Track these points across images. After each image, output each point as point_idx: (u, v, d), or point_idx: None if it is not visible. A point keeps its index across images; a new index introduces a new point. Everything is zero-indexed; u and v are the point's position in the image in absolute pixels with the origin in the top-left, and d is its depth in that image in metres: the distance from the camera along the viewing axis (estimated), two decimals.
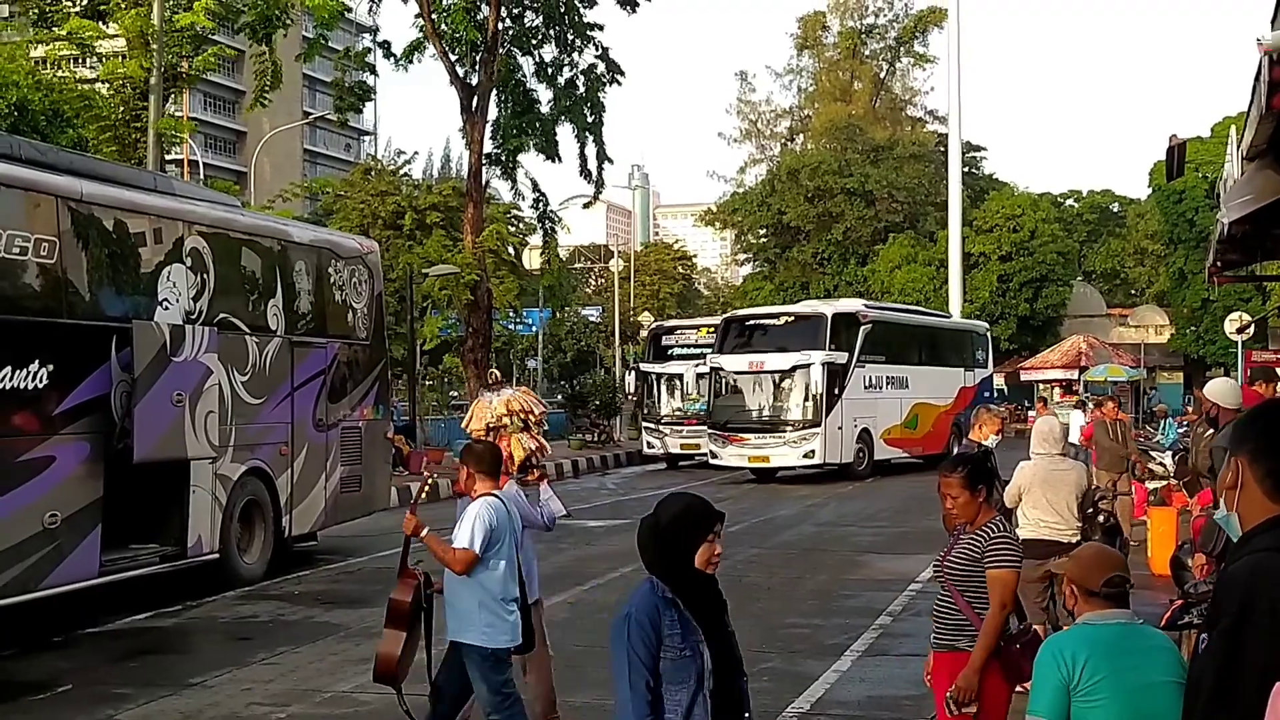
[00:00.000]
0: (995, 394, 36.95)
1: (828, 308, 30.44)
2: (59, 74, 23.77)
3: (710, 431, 29.09)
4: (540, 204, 32.77)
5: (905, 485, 26.67)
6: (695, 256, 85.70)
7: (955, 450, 32.23)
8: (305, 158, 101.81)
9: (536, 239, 43.97)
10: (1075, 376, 46.93)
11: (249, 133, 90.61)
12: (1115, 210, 71.59)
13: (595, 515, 21.64)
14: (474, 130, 30.42)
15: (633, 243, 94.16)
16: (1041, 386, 49.88)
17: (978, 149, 70.55)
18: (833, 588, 13.68)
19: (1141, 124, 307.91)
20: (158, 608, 12.61)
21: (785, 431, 27.81)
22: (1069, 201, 70.06)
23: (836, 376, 27.95)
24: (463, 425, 8.76)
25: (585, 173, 32.32)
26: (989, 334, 38.03)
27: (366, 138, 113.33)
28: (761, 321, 30.42)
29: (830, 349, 27.90)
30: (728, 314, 34.72)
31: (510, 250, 44.51)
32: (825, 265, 63.19)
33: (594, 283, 78.81)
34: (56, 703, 9.17)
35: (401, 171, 52.69)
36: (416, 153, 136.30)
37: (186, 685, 9.51)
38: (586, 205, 36.85)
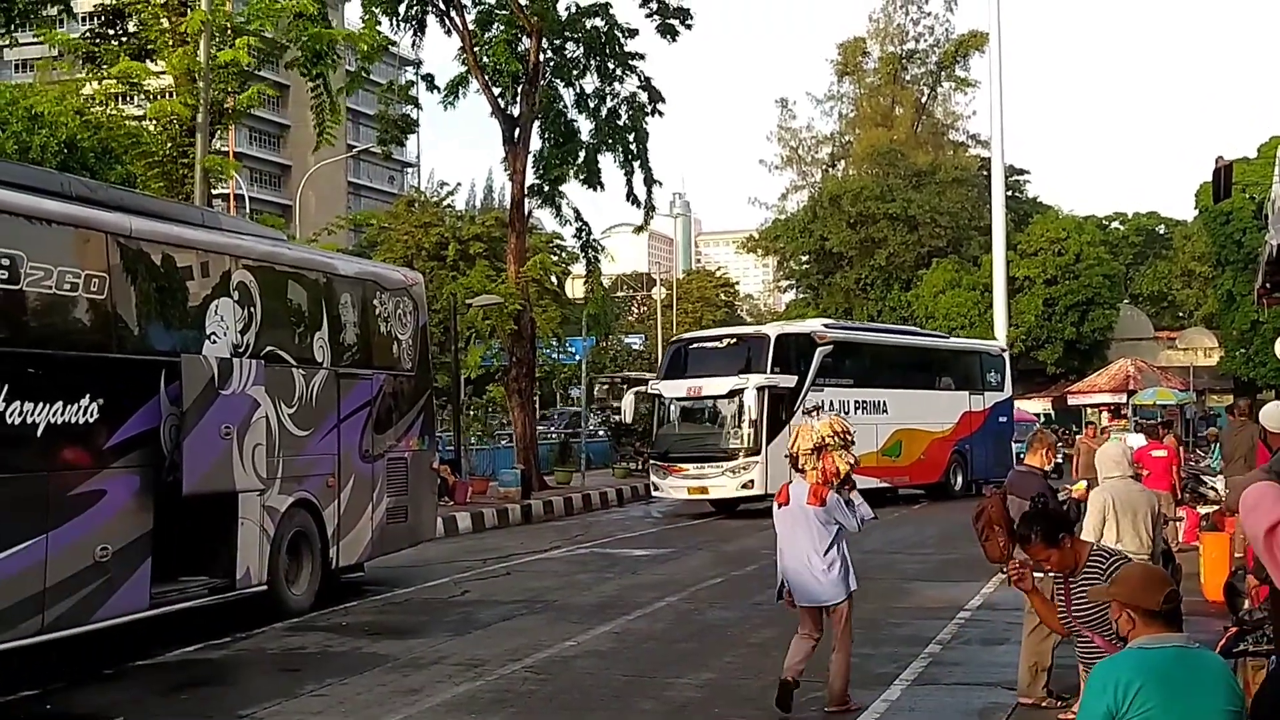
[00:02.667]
0: (1010, 418, 34.69)
1: (773, 329, 29.23)
2: (107, 111, 24.06)
3: (652, 461, 28.13)
4: (583, 233, 32.90)
5: (932, 514, 26.28)
6: (738, 283, 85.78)
7: (959, 479, 31.85)
8: (349, 190, 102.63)
9: (579, 268, 44.23)
10: (1124, 400, 46.52)
11: (294, 166, 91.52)
12: (1161, 232, 71.04)
13: (640, 544, 21.63)
14: (516, 161, 30.62)
15: (675, 270, 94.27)
16: (1089, 411, 49.52)
17: (1021, 172, 70.28)
18: (880, 616, 13.58)
19: (1187, 145, 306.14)
20: (207, 640, 12.67)
21: (723, 460, 26.36)
22: (1114, 224, 69.59)
23: (782, 401, 26.36)
24: (789, 447, 9.74)
25: (633, 199, 32.42)
26: (1006, 355, 36.25)
27: (410, 169, 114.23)
28: (705, 345, 29.02)
29: (774, 372, 26.41)
30: (673, 338, 33.50)
31: (553, 279, 44.74)
32: (868, 291, 62.98)
33: (636, 310, 78.93)
34: None
35: (445, 203, 53.19)
36: (459, 184, 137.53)
37: (237, 717, 9.55)
38: (637, 230, 36.91)
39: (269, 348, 13.85)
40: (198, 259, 13.09)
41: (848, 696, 9.43)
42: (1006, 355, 36.07)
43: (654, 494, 28.06)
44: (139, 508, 11.74)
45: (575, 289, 50.83)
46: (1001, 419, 33.55)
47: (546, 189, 31.39)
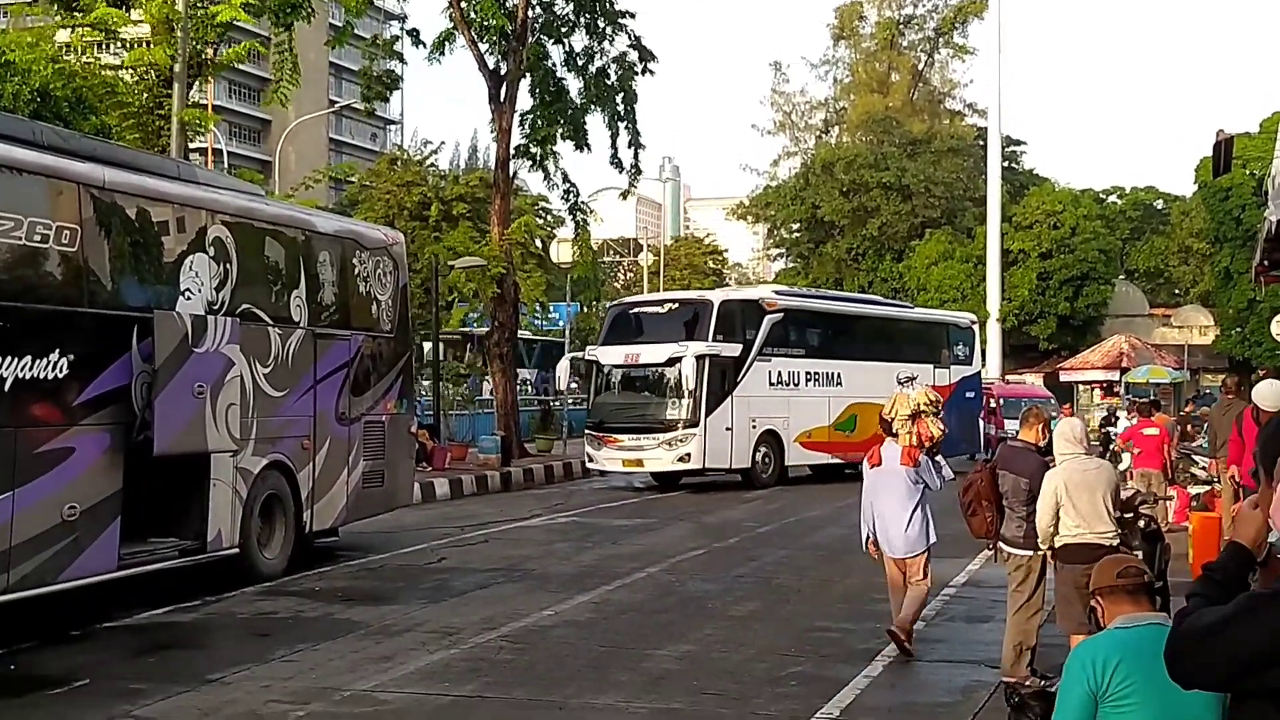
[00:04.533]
0: (979, 394, 34.02)
1: (718, 294, 28.73)
2: (82, 60, 23.86)
3: (588, 432, 27.43)
4: (571, 194, 32.80)
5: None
6: (727, 251, 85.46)
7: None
8: (331, 147, 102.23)
9: (565, 231, 44.13)
10: (1116, 378, 46.68)
11: (274, 121, 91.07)
12: (1159, 207, 71.08)
13: (621, 514, 21.67)
14: (502, 120, 30.50)
15: (663, 236, 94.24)
16: (1081, 388, 49.69)
17: (1018, 143, 70.23)
18: (864, 591, 13.63)
19: (1187, 119, 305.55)
20: (176, 603, 12.66)
21: (660, 432, 25.80)
22: (1111, 198, 69.59)
23: (724, 371, 25.93)
24: (885, 412, 10.98)
25: (616, 162, 32.30)
26: (974, 327, 35.04)
27: (393, 127, 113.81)
28: (646, 310, 28.50)
29: (716, 340, 25.86)
30: (613, 301, 32.84)
31: (538, 243, 44.65)
32: (860, 261, 62.97)
33: (623, 276, 78.85)
34: (73, 698, 9.23)
35: (428, 162, 52.96)
36: (443, 143, 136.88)
37: (205, 681, 9.56)
38: (623, 195, 36.77)
39: (245, 306, 13.80)
40: (173, 213, 13.03)
41: (911, 632, 10.61)
42: (976, 328, 35.10)
43: (589, 466, 27.61)
44: (108, 466, 11.71)
45: (561, 253, 50.69)
46: (969, 394, 32.92)
47: (534, 149, 31.27)
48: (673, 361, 25.91)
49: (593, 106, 31.61)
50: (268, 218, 14.84)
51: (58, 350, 11.06)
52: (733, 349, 26.27)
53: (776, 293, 29.97)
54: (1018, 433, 9.78)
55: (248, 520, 13.82)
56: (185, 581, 13.17)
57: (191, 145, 25.30)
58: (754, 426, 26.67)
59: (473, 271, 30.38)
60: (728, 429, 26.09)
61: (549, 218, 46.03)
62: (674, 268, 74.78)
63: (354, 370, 16.02)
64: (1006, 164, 61.40)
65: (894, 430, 10.85)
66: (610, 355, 27.19)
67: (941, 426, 11.00)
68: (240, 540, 13.68)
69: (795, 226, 66.66)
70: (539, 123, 31.13)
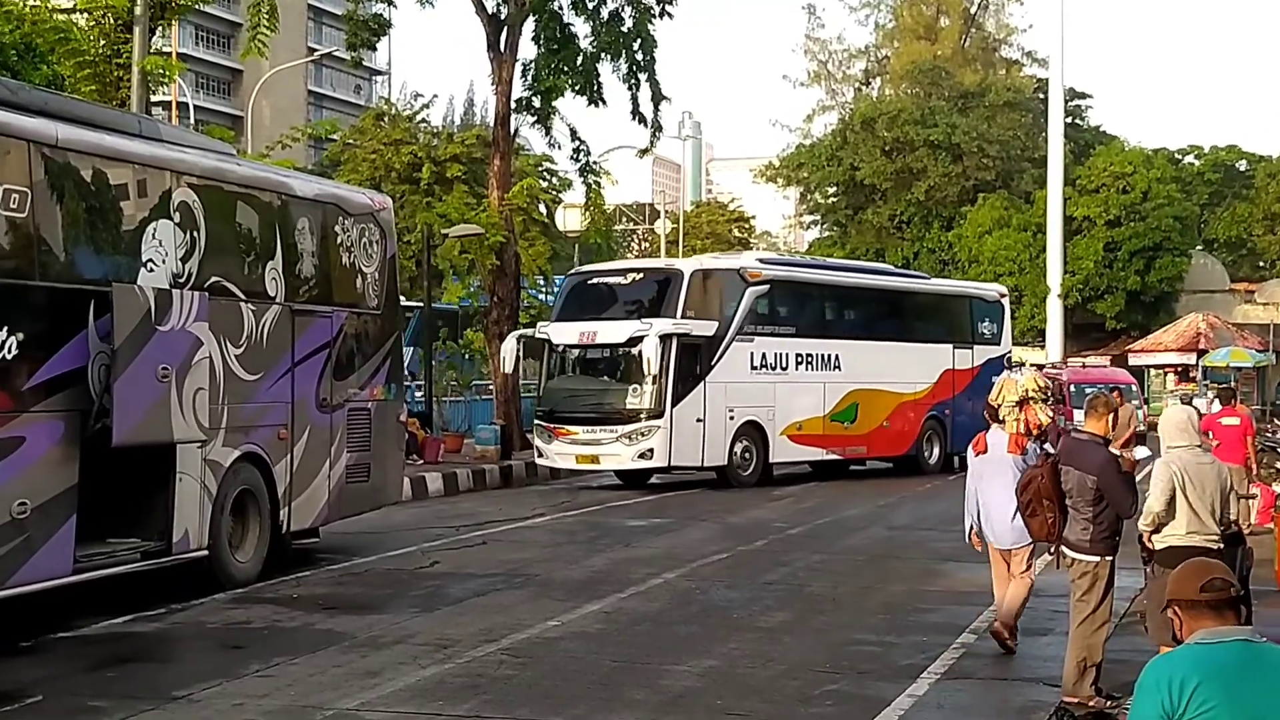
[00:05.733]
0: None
1: (691, 262, 27.81)
2: (31, 3, 23.89)
3: (537, 422, 26.41)
4: (580, 154, 32.71)
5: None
6: (754, 218, 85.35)
7: (934, 452, 29.97)
8: (310, 100, 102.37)
9: (572, 196, 44.08)
10: (1193, 361, 46.61)
11: (246, 72, 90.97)
12: (1243, 169, 70.85)
13: (634, 513, 21.71)
14: (502, 70, 30.44)
15: (682, 201, 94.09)
16: (1153, 372, 49.61)
17: (1082, 96, 70.00)
18: (908, 600, 13.64)
19: (1275, 71, 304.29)
20: (138, 611, 12.71)
21: (618, 424, 24.97)
22: (1188, 159, 69.40)
23: (696, 352, 25.08)
24: (992, 399, 11.70)
25: (638, 116, 32.20)
26: (1002, 300, 33.38)
27: (379, 79, 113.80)
28: (607, 280, 27.37)
29: (687, 316, 24.97)
30: (571, 271, 31.57)
31: (542, 209, 44.64)
32: (904, 229, 62.94)
33: (638, 246, 78.83)
34: (24, 715, 9.27)
35: (419, 118, 52.90)
36: (436, 96, 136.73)
37: (170, 699, 9.60)
38: (642, 153, 36.65)
39: (214, 278, 13.81)
40: (134, 174, 13.05)
41: (1015, 629, 11.22)
42: (1005, 302, 33.67)
43: (538, 461, 26.71)
44: (62, 458, 11.75)
45: (567, 220, 50.67)
46: (995, 379, 32.13)
47: (537, 103, 31.21)
48: (634, 341, 24.87)
49: (604, 55, 31.52)
50: (240, 180, 14.86)
51: (5, 329, 11.09)
52: (707, 327, 25.34)
53: (761, 260, 29.23)
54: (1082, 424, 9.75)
55: (218, 519, 13.85)
56: (148, 587, 13.21)
57: (154, 98, 25.33)
58: (731, 417, 25.78)
59: (469, 241, 30.38)
60: (699, 420, 25.27)
61: (554, 180, 45.95)
62: (694, 236, 74.71)
63: (337, 351, 16.04)
64: (1069, 120, 61.26)
65: (1000, 417, 11.44)
66: (563, 333, 26.19)
67: (1050, 414, 11.66)
68: (209, 541, 13.71)
69: (831, 190, 66.63)
70: (543, 73, 31.06)
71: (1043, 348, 55.63)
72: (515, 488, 26.12)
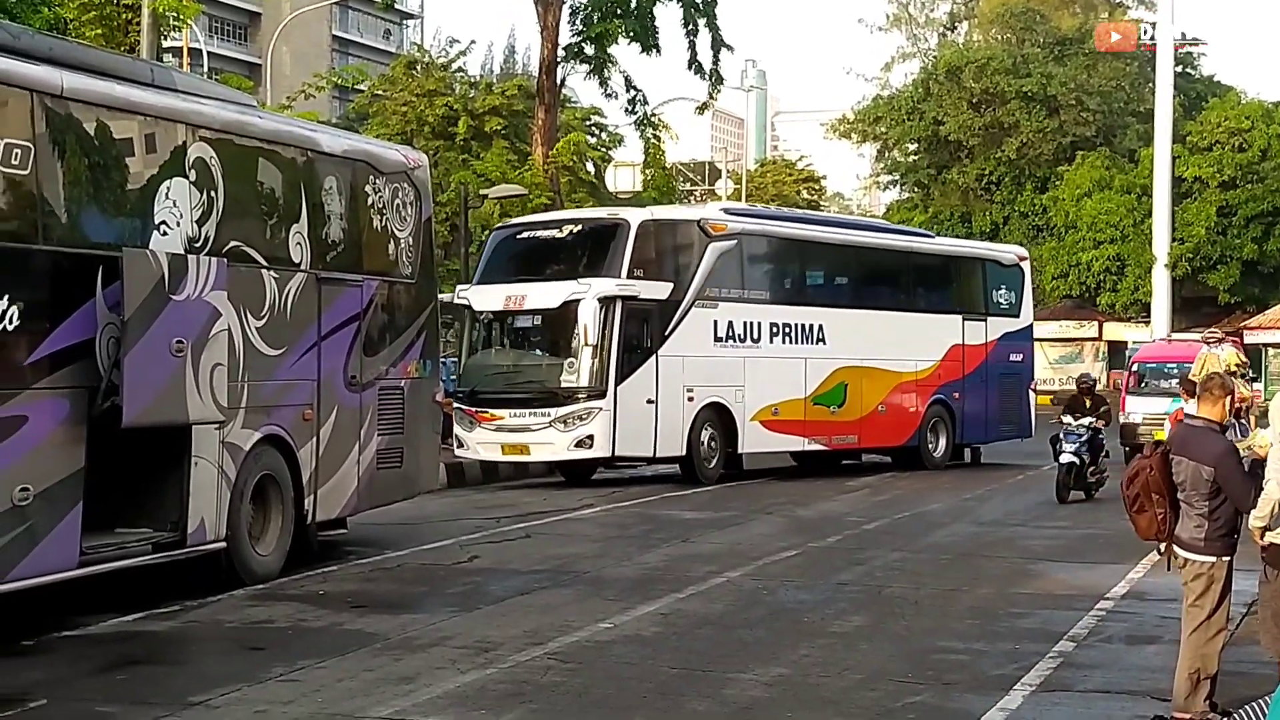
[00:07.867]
0: (1030, 355, 31.41)
1: (639, 213, 25.52)
2: None
3: (456, 406, 24.00)
4: (636, 104, 32.63)
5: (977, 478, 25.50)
6: (825, 178, 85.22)
7: (939, 442, 28.40)
8: (334, 46, 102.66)
9: (622, 153, 44.05)
10: None
11: (264, 15, 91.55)
12: None
13: (693, 505, 21.72)
14: (548, 13, 30.51)
15: (745, 159, 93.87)
16: (1271, 352, 49.13)
17: (1194, 43, 69.20)
18: (998, 604, 13.57)
19: None
20: (149, 608, 12.79)
21: (551, 406, 23.24)
22: None
23: (646, 319, 23.50)
24: (1193, 374, 12.88)
25: (696, 65, 32.15)
26: (1021, 265, 31.69)
27: (411, 23, 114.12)
28: (539, 235, 25.54)
29: (634, 276, 23.32)
30: (497, 225, 29.43)
31: (590, 167, 44.70)
32: (993, 191, 62.56)
33: None
34: None
35: (455, 66, 53.05)
36: (474, 43, 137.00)
37: (185, 705, 9.65)
38: (701, 108, 36.66)
39: (233, 243, 13.86)
40: (145, 127, 13.07)
41: None
42: (1025, 265, 31.95)
43: (457, 452, 24.42)
44: (68, 440, 11.82)
45: (619, 180, 50.62)
46: (1015, 356, 30.51)
47: (588, 50, 31.14)
48: (569, 305, 23.10)
49: None
50: (262, 134, 14.88)
51: (6, 298, 11.14)
52: (659, 289, 23.74)
53: (726, 211, 27.57)
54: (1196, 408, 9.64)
55: (236, 508, 13.92)
56: (161, 582, 13.32)
57: (165, 44, 25.47)
58: (690, 398, 24.07)
59: (510, 203, 30.40)
60: (650, 402, 23.60)
61: (604, 136, 46.00)
62: (759, 197, 74.58)
63: (367, 324, 16.07)
64: (1180, 69, 60.63)
65: (1198, 393, 11.68)
66: (486, 298, 24.27)
67: (1249, 388, 13.26)
68: (227, 532, 13.78)
69: (912, 148, 66.33)
70: (594, 17, 31.02)
71: (1147, 323, 55.23)
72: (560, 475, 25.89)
